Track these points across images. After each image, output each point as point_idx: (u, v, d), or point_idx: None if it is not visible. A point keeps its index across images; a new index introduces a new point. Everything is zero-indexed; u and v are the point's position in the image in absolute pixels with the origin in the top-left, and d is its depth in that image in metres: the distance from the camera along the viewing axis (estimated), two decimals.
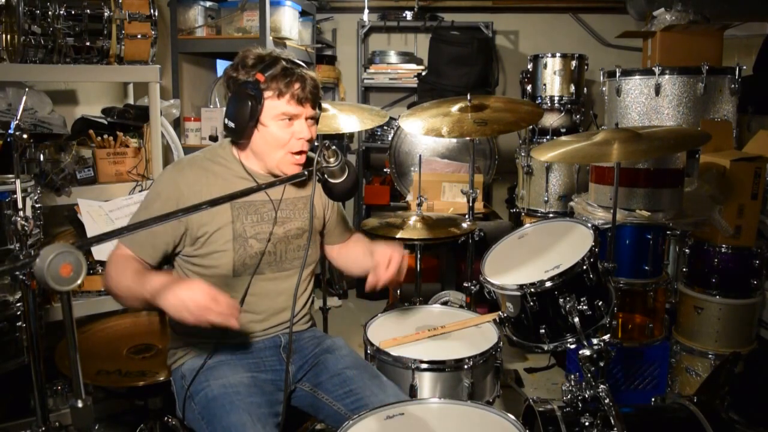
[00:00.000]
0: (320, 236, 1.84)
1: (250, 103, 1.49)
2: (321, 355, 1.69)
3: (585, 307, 1.58)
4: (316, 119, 1.60)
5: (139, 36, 2.46)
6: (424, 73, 4.18)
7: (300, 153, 1.58)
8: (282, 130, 1.54)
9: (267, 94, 1.50)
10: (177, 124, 3.22)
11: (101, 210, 2.31)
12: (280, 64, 1.51)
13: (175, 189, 1.56)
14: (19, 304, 2.04)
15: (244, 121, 1.50)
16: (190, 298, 1.32)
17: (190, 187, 1.57)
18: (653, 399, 1.94)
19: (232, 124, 1.52)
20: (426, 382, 1.70)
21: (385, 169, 3.82)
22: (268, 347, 1.68)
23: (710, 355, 2.56)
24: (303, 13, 3.87)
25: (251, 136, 1.55)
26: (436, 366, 1.70)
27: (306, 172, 1.40)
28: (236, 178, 1.61)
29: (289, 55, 1.58)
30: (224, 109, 1.56)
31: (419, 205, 2.64)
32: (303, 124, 1.55)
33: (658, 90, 2.80)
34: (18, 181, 1.89)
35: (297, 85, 1.51)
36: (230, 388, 1.51)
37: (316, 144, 1.60)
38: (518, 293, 1.61)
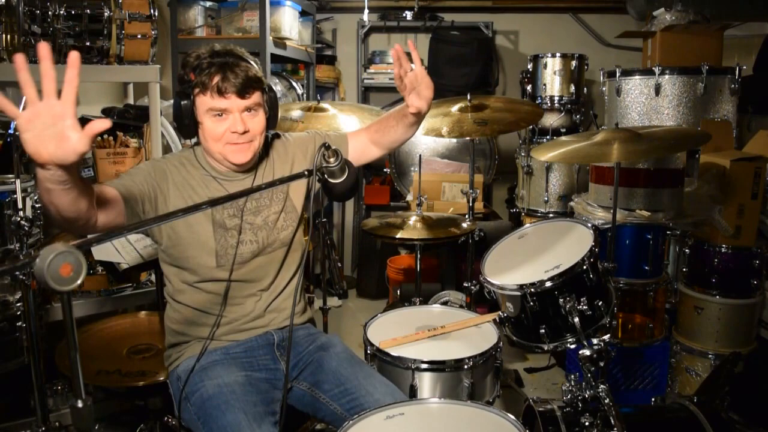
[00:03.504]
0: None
1: (183, 103, 1.52)
2: (316, 353, 1.69)
3: (585, 307, 1.58)
4: (255, 107, 1.56)
5: (139, 36, 2.46)
6: None
7: (244, 141, 1.56)
8: (216, 125, 1.53)
9: (195, 91, 1.52)
10: None
11: None
12: (206, 60, 1.51)
13: (161, 167, 1.60)
14: (19, 304, 2.04)
15: (182, 120, 1.54)
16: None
17: (173, 175, 1.60)
18: (653, 399, 1.94)
19: (175, 124, 1.57)
20: (426, 382, 1.70)
21: (385, 169, 3.82)
22: (261, 345, 1.68)
23: (710, 355, 2.56)
24: (303, 13, 3.87)
25: (196, 134, 1.58)
26: (436, 366, 1.70)
27: (306, 172, 1.40)
28: (200, 180, 1.63)
29: (233, 49, 1.56)
30: None
31: (419, 205, 2.64)
32: (236, 117, 1.53)
33: (658, 90, 2.80)
34: (18, 181, 1.89)
35: (217, 78, 1.50)
36: (225, 387, 1.51)
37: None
38: (518, 293, 1.61)
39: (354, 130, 1.85)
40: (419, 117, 1.70)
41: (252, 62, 1.57)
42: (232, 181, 1.64)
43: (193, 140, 1.65)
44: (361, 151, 1.80)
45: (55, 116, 1.05)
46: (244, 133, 1.54)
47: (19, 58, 1.04)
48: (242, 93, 1.52)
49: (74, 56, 1.05)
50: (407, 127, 1.74)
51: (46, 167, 1.10)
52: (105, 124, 1.09)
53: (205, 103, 1.52)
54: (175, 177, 1.60)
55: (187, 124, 1.55)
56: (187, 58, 1.54)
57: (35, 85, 1.05)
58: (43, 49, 1.02)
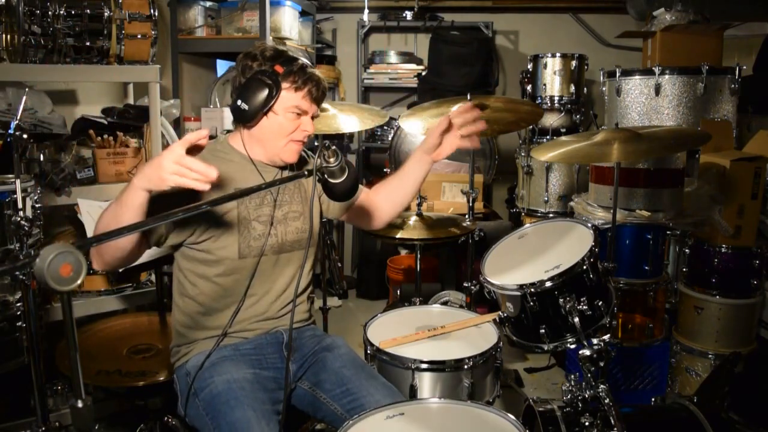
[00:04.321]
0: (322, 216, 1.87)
1: (267, 90, 1.55)
2: (320, 353, 1.70)
3: (585, 307, 1.58)
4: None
5: (139, 36, 2.46)
6: (424, 73, 4.18)
7: (301, 142, 1.66)
8: (289, 122, 1.61)
9: (284, 85, 1.58)
10: (177, 124, 3.22)
11: (101, 210, 2.31)
12: (299, 62, 1.61)
13: None
14: (19, 304, 2.04)
15: (259, 105, 1.56)
16: (161, 156, 1.34)
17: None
18: (653, 399, 1.94)
19: (244, 106, 1.56)
20: (426, 382, 1.70)
21: (385, 169, 3.82)
22: (270, 343, 1.69)
23: (710, 355, 2.56)
24: (303, 13, 3.87)
25: (259, 121, 1.60)
26: (436, 366, 1.70)
27: (306, 172, 1.41)
28: (238, 169, 1.65)
29: (302, 57, 1.65)
30: (224, 108, 1.59)
31: (419, 205, 2.64)
32: (309, 120, 1.64)
33: (658, 90, 2.80)
34: (18, 181, 1.89)
35: (313, 85, 1.61)
36: (234, 383, 1.52)
37: (316, 144, 1.62)
38: (518, 293, 1.61)
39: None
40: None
41: None
42: (263, 172, 1.68)
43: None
44: (366, 209, 1.87)
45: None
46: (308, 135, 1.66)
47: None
48: (320, 104, 1.67)
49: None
50: (405, 173, 1.81)
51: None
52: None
53: (292, 100, 1.59)
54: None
55: (262, 111, 1.57)
56: (264, 50, 1.60)
57: None
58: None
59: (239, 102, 1.56)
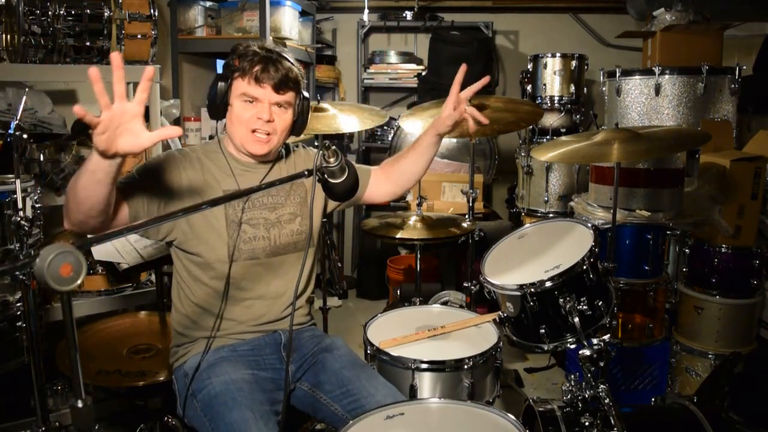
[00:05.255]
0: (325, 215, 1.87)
1: (219, 83, 1.58)
2: (319, 354, 1.69)
3: (585, 307, 1.58)
4: (286, 105, 1.62)
5: (139, 36, 2.46)
6: (424, 73, 4.18)
7: (264, 133, 1.61)
8: (244, 110, 1.60)
9: (235, 75, 1.58)
10: (177, 124, 3.22)
11: None
12: (253, 49, 1.59)
13: (176, 161, 1.62)
14: (19, 304, 2.04)
15: (214, 99, 1.59)
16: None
17: (186, 171, 1.61)
18: (653, 399, 1.94)
19: (207, 102, 1.62)
20: (426, 382, 1.70)
21: None
22: (268, 344, 1.69)
23: (710, 355, 2.56)
24: (303, 13, 3.87)
25: (225, 116, 1.62)
26: (436, 366, 1.69)
27: (306, 172, 1.41)
28: (222, 168, 1.66)
29: (281, 50, 1.63)
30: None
31: (419, 205, 2.64)
32: (265, 107, 1.59)
33: (658, 90, 2.80)
34: (18, 181, 1.89)
35: (258, 67, 1.57)
36: (232, 384, 1.52)
37: (316, 144, 1.61)
38: (518, 293, 1.61)
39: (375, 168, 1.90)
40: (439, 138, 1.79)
41: (296, 66, 1.64)
42: (247, 172, 1.67)
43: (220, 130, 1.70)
44: (377, 187, 1.86)
45: (132, 115, 1.24)
46: (268, 122, 1.59)
47: (115, 59, 1.21)
48: (277, 88, 1.59)
49: (116, 58, 1.22)
50: (419, 155, 1.79)
51: (111, 158, 1.26)
52: (176, 131, 1.28)
53: (240, 87, 1.58)
54: (189, 173, 1.61)
55: (218, 105, 1.60)
56: (238, 46, 1.61)
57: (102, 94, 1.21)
58: (116, 59, 1.21)
59: (207, 101, 1.61)
